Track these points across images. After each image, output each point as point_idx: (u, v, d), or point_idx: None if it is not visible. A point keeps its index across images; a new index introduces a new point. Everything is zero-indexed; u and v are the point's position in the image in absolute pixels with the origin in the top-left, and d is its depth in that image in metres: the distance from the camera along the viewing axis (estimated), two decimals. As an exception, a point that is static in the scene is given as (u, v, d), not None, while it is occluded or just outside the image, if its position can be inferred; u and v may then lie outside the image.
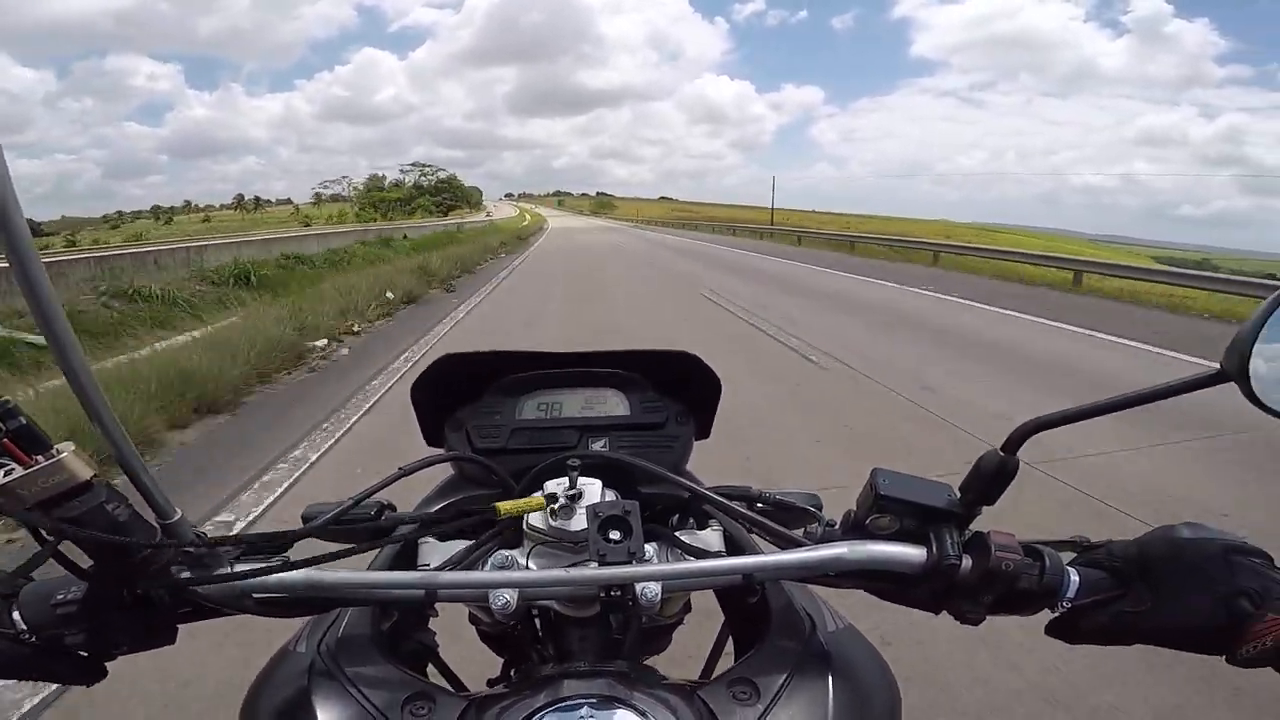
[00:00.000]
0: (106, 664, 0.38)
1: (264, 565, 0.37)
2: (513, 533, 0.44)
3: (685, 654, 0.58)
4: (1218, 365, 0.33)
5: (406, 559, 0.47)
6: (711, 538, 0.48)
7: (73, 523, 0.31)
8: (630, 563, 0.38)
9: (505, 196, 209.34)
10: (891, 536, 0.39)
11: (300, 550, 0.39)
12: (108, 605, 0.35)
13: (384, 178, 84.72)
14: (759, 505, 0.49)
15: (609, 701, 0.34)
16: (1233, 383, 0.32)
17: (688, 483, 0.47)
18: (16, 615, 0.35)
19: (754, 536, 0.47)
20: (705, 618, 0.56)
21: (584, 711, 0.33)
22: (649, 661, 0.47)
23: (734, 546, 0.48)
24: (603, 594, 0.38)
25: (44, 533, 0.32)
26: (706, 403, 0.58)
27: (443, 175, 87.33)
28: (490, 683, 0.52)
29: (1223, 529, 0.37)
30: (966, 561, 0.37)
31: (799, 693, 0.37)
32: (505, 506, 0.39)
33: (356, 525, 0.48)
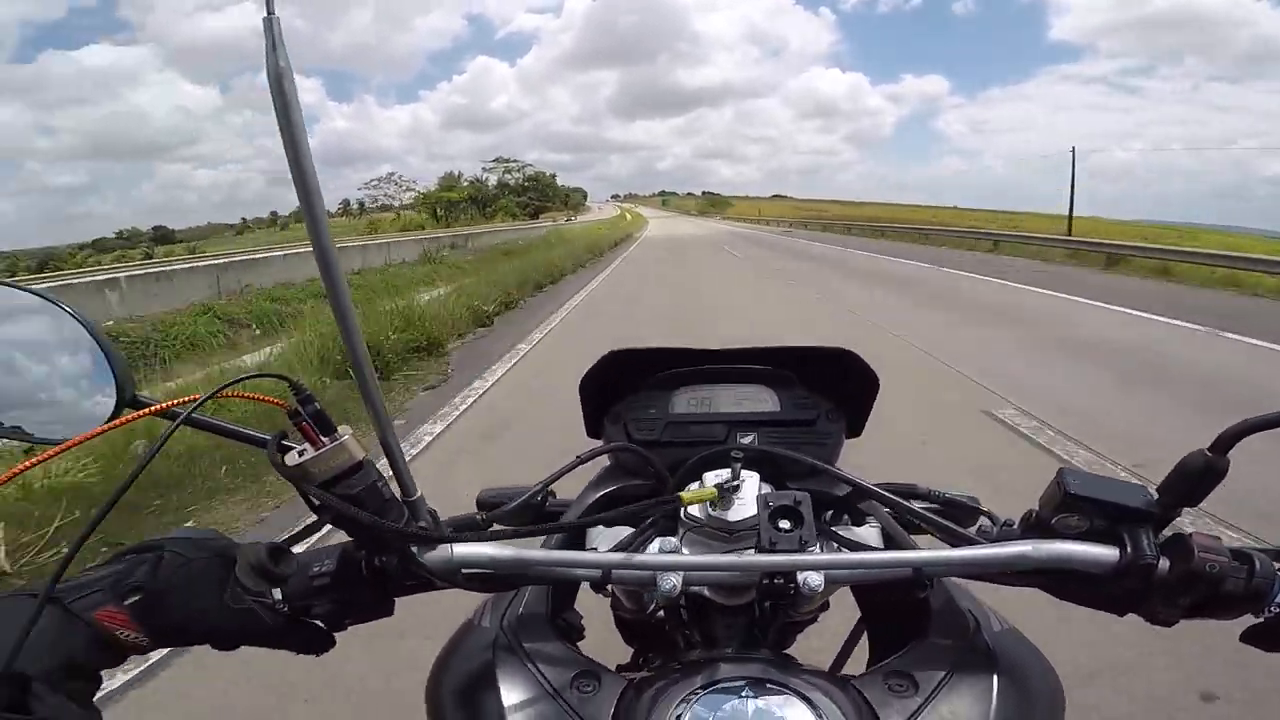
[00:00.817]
0: (336, 634, 0.42)
1: (482, 538, 0.42)
2: (669, 521, 0.48)
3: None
4: None
5: (573, 542, 0.53)
6: (868, 534, 0.50)
7: (351, 499, 0.37)
8: (800, 551, 0.40)
9: (611, 198, 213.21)
10: (1079, 536, 0.40)
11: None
12: (352, 578, 0.41)
13: (459, 175, 68.70)
14: (924, 503, 0.50)
15: (763, 684, 0.36)
16: None
17: (852, 477, 0.48)
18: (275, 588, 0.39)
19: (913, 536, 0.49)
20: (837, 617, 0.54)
21: (745, 692, 0.35)
22: None
23: (891, 544, 0.49)
24: (765, 580, 0.40)
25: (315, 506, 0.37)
26: (861, 400, 0.59)
27: (530, 172, 73.62)
28: (619, 668, 0.53)
29: None
30: (1164, 563, 0.38)
31: (961, 689, 0.38)
32: (688, 497, 0.43)
33: (540, 510, 0.56)
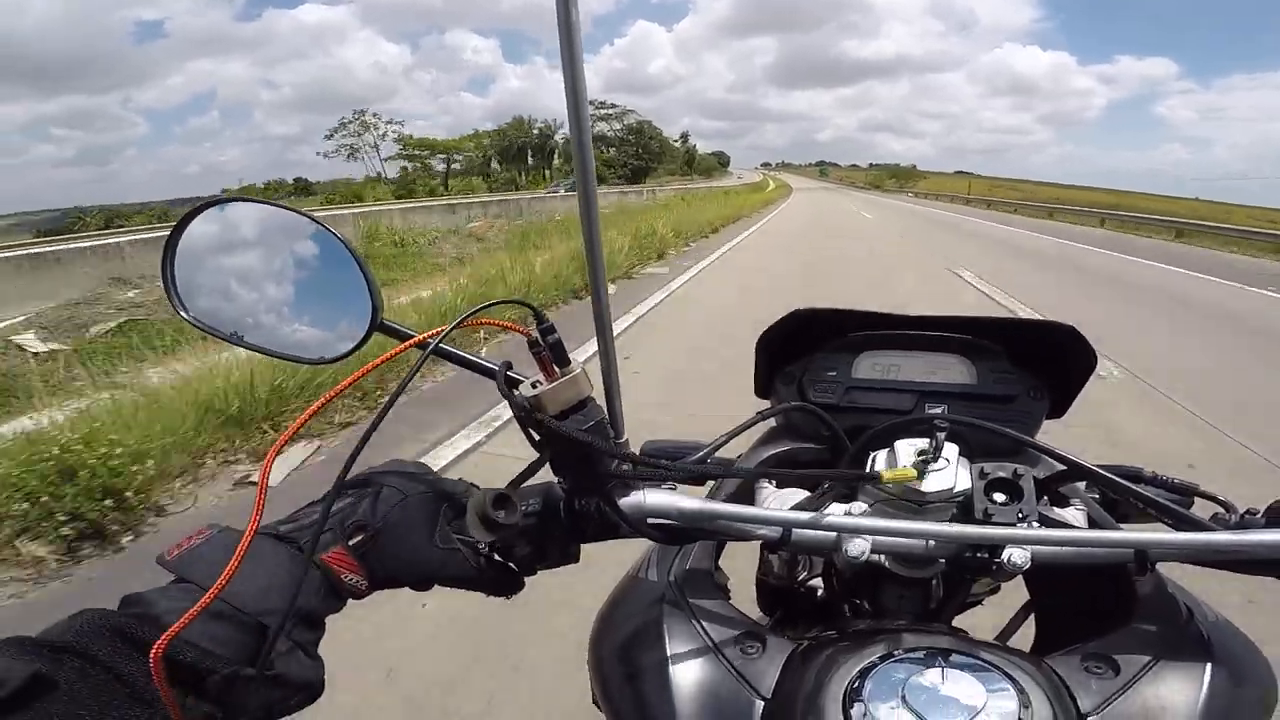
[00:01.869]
0: (526, 579, 0.43)
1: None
2: (846, 486, 0.47)
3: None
4: None
5: (743, 501, 0.52)
6: (1072, 516, 0.49)
7: (585, 434, 0.37)
8: (1015, 526, 0.40)
9: (762, 165, 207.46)
10: None
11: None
12: (552, 522, 0.42)
13: (531, 120, 55.88)
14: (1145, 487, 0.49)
15: (950, 656, 0.35)
16: None
17: (1069, 456, 0.47)
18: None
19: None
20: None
21: (937, 663, 0.34)
22: None
23: (1096, 528, 0.48)
24: (968, 554, 0.40)
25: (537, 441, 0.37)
26: (1072, 381, 0.57)
27: (631, 121, 61.07)
28: None
29: None
30: None
31: (1167, 676, 0.38)
32: (888, 476, 0.42)
33: (709, 465, 0.54)
